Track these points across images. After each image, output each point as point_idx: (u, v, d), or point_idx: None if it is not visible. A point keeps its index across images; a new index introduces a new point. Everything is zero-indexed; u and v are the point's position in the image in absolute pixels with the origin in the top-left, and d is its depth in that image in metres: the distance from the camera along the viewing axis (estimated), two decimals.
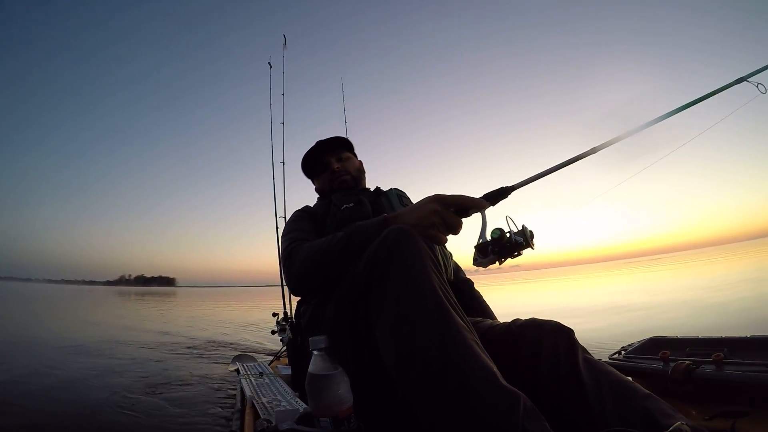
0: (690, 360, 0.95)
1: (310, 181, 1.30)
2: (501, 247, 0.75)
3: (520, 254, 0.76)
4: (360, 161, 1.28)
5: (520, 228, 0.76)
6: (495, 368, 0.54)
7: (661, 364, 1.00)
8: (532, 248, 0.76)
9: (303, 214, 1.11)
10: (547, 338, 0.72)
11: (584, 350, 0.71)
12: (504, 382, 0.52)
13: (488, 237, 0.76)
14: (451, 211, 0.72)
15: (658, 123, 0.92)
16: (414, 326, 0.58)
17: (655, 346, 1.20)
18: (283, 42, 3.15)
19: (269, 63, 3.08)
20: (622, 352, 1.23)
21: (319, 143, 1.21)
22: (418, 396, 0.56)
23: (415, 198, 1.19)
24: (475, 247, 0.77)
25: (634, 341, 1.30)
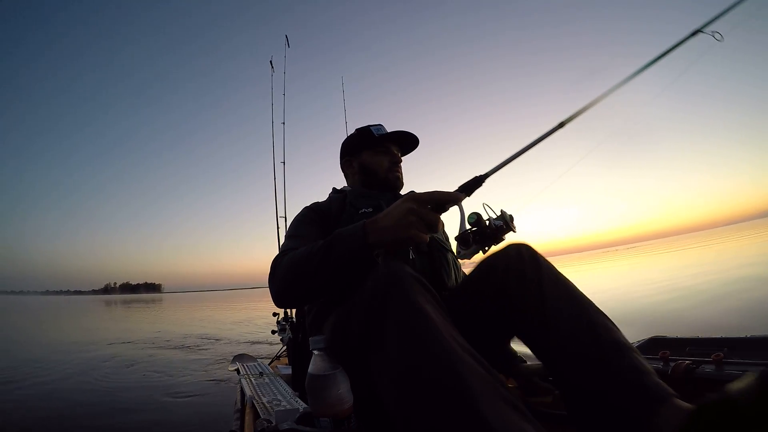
0: (690, 360, 0.95)
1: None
2: (482, 235, 0.74)
3: (503, 239, 0.76)
4: None
5: (499, 213, 0.76)
6: (519, 421, 0.48)
7: (661, 363, 0.99)
8: (514, 231, 0.77)
9: (309, 213, 1.04)
10: (513, 257, 0.78)
11: (548, 262, 0.78)
12: None
13: (467, 226, 0.76)
14: (428, 208, 0.70)
15: (617, 89, 0.90)
16: (420, 372, 0.51)
17: (655, 346, 1.19)
18: (285, 42, 3.15)
19: (271, 63, 3.07)
20: None
21: (403, 133, 1.14)
22: None
23: None
24: (456, 238, 0.77)
25: (634, 341, 1.30)
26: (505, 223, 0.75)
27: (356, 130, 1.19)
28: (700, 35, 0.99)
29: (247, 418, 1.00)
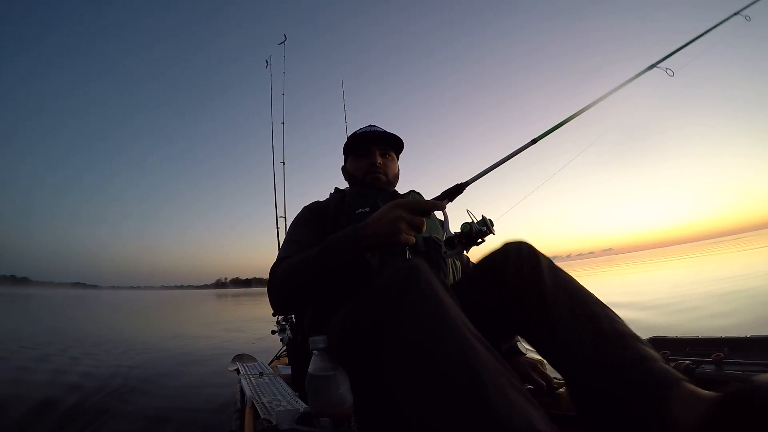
0: (690, 360, 0.95)
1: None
2: (468, 238, 0.83)
3: (483, 241, 0.85)
4: (398, 168, 1.22)
5: (480, 218, 0.84)
6: (535, 413, 0.48)
7: None
8: (494, 234, 0.84)
9: (306, 214, 1.06)
10: (512, 254, 0.80)
11: (547, 258, 0.80)
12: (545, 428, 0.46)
13: (452, 231, 0.85)
14: (414, 213, 0.75)
15: (584, 113, 1.06)
16: (433, 357, 0.53)
17: (655, 345, 1.19)
18: (283, 41, 3.15)
19: (267, 61, 3.08)
20: None
21: (376, 132, 1.14)
22: None
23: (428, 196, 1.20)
24: (444, 241, 0.86)
25: None
26: (487, 227, 0.83)
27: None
28: (656, 69, 1.16)
29: (246, 418, 1.00)
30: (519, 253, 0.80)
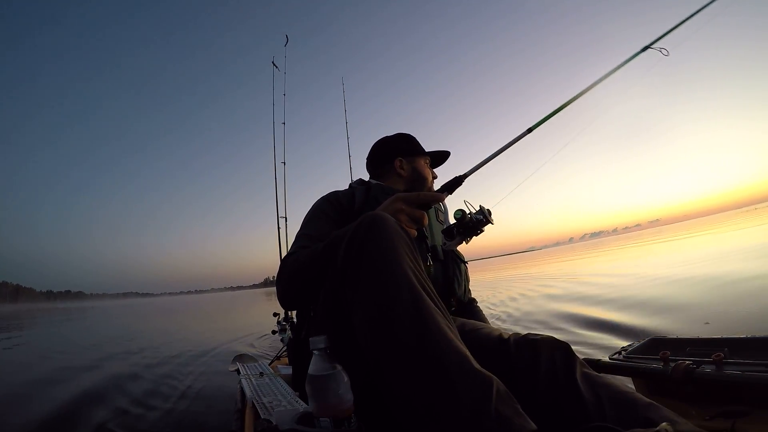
0: (690, 360, 0.95)
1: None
2: (465, 228, 0.83)
3: (482, 231, 0.85)
4: None
5: (478, 208, 0.84)
6: (468, 353, 0.55)
7: (661, 364, 1.00)
8: (492, 223, 0.84)
9: (324, 206, 1.04)
10: (543, 355, 0.71)
11: (583, 364, 0.70)
12: (477, 366, 0.53)
13: (451, 220, 0.84)
14: (414, 206, 0.76)
15: (580, 97, 1.04)
16: (388, 310, 0.58)
17: (655, 346, 1.19)
18: (285, 42, 3.15)
19: (273, 63, 3.08)
20: (623, 353, 1.23)
21: (445, 153, 1.27)
22: (392, 381, 0.56)
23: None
24: (442, 231, 0.86)
25: (633, 342, 1.31)
26: (484, 217, 0.83)
27: (401, 135, 1.23)
28: (650, 50, 1.15)
29: (247, 418, 1.00)
30: (551, 355, 0.71)
